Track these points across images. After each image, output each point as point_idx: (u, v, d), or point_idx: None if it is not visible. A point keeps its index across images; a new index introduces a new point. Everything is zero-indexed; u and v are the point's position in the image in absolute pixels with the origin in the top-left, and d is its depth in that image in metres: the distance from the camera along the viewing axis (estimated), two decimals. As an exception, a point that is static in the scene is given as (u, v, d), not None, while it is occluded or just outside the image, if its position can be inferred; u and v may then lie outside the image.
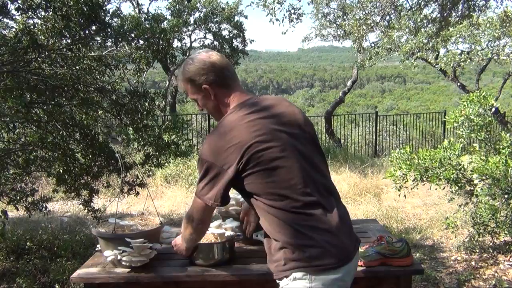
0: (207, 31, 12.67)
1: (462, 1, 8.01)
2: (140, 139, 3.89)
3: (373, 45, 10.69)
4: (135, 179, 3.91)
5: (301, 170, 1.50)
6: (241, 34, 12.64)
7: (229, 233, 2.03)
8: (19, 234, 4.34)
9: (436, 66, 9.13)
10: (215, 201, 1.53)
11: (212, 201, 1.54)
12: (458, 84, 10.62)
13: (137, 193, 3.92)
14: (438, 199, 5.93)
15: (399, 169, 3.74)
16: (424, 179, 3.70)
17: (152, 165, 4.03)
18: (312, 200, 1.49)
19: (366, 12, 9.05)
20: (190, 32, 12.71)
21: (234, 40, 12.74)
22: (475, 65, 9.27)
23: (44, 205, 3.60)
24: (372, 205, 5.81)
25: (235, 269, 1.93)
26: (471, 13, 7.88)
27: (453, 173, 3.61)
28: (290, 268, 1.45)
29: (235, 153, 1.46)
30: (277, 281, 1.51)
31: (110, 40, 3.61)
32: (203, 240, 1.96)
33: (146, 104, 3.80)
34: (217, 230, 2.01)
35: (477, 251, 4.06)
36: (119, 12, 3.82)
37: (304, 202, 1.48)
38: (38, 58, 3.24)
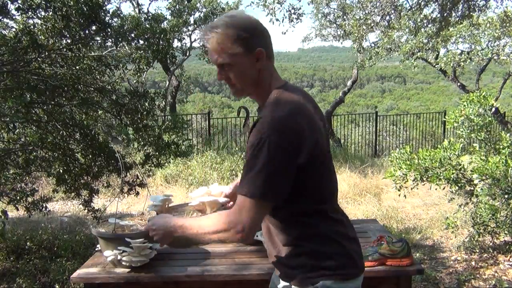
0: (207, 31, 12.65)
1: (462, 1, 8.00)
2: (140, 139, 3.89)
3: (373, 45, 10.70)
4: (135, 179, 3.91)
5: (333, 172, 1.43)
6: (241, 34, 12.63)
7: (222, 199, 1.74)
8: (19, 234, 4.34)
9: (436, 66, 9.14)
10: (276, 196, 1.27)
11: (273, 196, 1.27)
12: (458, 84, 10.62)
13: (137, 193, 3.92)
14: (438, 199, 5.93)
15: (399, 169, 3.74)
16: (424, 179, 3.70)
17: (152, 165, 4.03)
18: (337, 206, 1.44)
19: (366, 12, 9.05)
20: (190, 32, 12.71)
21: (234, 40, 12.72)
22: (475, 65, 9.28)
23: (44, 205, 3.60)
24: (372, 205, 5.81)
25: (235, 269, 1.93)
26: (471, 13, 7.88)
27: (453, 173, 3.61)
28: (318, 276, 1.34)
29: (306, 140, 1.26)
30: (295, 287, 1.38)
31: (110, 40, 3.61)
32: (188, 215, 1.78)
33: (146, 104, 3.80)
34: (207, 198, 1.74)
35: (477, 251, 4.05)
36: (119, 12, 3.82)
37: (334, 207, 1.41)
38: (38, 58, 3.24)
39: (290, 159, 1.24)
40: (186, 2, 11.81)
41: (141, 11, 11.68)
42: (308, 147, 1.26)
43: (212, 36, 1.32)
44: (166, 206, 1.97)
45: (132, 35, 3.80)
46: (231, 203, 1.75)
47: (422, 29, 8.01)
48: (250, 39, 1.33)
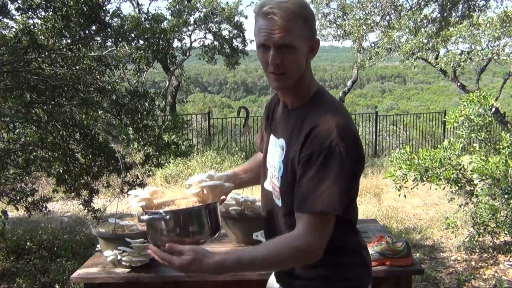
0: (207, 31, 12.67)
1: (462, 1, 8.01)
2: (140, 139, 3.89)
3: (373, 45, 10.70)
4: (135, 179, 3.91)
5: None
6: (241, 34, 12.64)
7: (228, 184, 1.47)
8: (19, 234, 4.34)
9: (436, 66, 9.13)
10: (343, 208, 1.16)
11: (343, 209, 1.16)
12: (458, 84, 10.62)
13: (137, 193, 3.92)
14: (438, 199, 5.93)
15: (399, 169, 3.74)
16: (424, 179, 3.70)
17: (152, 165, 4.03)
18: None
19: (366, 12, 9.06)
20: (190, 32, 12.72)
21: (234, 40, 12.75)
22: (475, 65, 9.27)
23: (44, 205, 3.60)
24: (372, 205, 5.80)
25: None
26: (471, 13, 7.89)
27: (453, 173, 3.61)
28: (338, 287, 1.29)
29: (362, 149, 1.22)
30: None
31: (110, 40, 3.61)
32: (182, 205, 1.41)
33: (146, 104, 3.80)
34: (210, 183, 1.38)
35: (477, 251, 4.05)
36: (119, 12, 3.82)
37: (357, 217, 1.36)
38: (38, 58, 3.24)
39: (354, 168, 1.18)
40: (186, 2, 11.81)
41: (141, 11, 11.69)
42: (363, 156, 1.23)
43: (284, 11, 1.13)
44: (155, 200, 1.46)
45: (132, 35, 3.80)
46: (228, 196, 1.70)
47: (422, 29, 8.02)
48: (314, 24, 1.22)
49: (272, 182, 1.35)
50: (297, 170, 1.18)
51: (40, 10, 3.20)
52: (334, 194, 1.11)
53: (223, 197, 1.51)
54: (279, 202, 1.31)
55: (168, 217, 1.24)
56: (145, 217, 1.27)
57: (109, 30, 3.47)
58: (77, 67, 3.50)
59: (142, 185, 3.88)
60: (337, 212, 1.13)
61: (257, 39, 1.20)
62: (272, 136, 1.40)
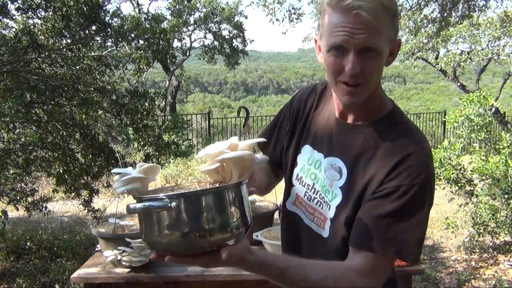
0: (207, 31, 12.68)
1: (462, 1, 8.01)
2: (140, 139, 3.89)
3: (373, 45, 10.68)
4: (135, 179, 3.90)
5: None
6: (241, 34, 12.66)
7: (261, 157, 0.97)
8: (19, 234, 4.34)
9: (436, 66, 9.14)
10: (415, 256, 1.00)
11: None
12: (458, 84, 10.62)
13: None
14: (438, 199, 5.92)
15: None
16: (424, 179, 3.69)
17: (152, 165, 4.03)
18: None
19: (366, 12, 9.02)
20: (190, 32, 12.74)
21: (234, 40, 12.76)
22: (475, 65, 9.28)
23: (44, 205, 3.60)
24: (372, 205, 5.80)
25: (235, 269, 1.92)
26: (471, 13, 7.88)
27: (453, 173, 3.61)
28: None
29: None
30: None
31: (110, 40, 3.61)
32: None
33: (146, 104, 3.80)
34: (233, 154, 0.89)
35: (477, 251, 4.05)
36: (119, 12, 3.82)
37: None
38: (38, 58, 3.24)
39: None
40: (186, 2, 11.82)
41: (141, 11, 11.69)
42: None
43: (372, 3, 0.89)
44: (152, 181, 0.96)
45: (132, 35, 3.81)
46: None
47: (422, 29, 8.01)
48: (397, 29, 0.98)
49: (309, 205, 1.12)
50: (368, 200, 0.98)
51: (40, 10, 3.20)
52: (414, 239, 0.96)
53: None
54: (323, 233, 1.08)
55: (173, 204, 0.79)
56: (138, 205, 0.81)
57: (109, 30, 3.48)
58: (77, 67, 3.50)
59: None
60: (411, 260, 0.97)
61: (328, 38, 0.93)
62: (309, 148, 1.13)
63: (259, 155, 0.97)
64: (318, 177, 1.10)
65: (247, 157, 0.90)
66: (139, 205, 0.81)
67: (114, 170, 0.93)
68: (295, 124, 1.19)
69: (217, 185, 0.89)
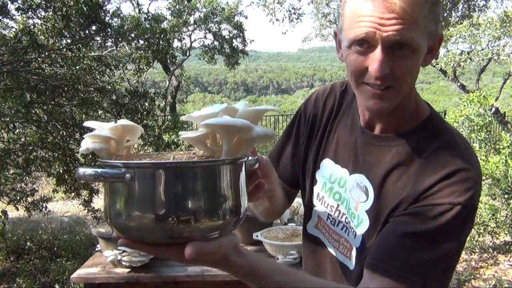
0: (207, 31, 12.69)
1: (462, 1, 8.01)
2: (140, 139, 3.89)
3: (373, 45, 10.69)
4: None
5: None
6: (241, 34, 12.66)
7: (261, 130, 0.70)
8: (19, 234, 4.34)
9: (436, 66, 9.14)
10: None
11: None
12: (458, 84, 10.62)
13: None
14: (438, 199, 5.93)
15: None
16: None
17: (152, 165, 4.03)
18: None
19: (366, 12, 9.03)
20: (190, 32, 12.74)
21: (234, 40, 12.77)
22: (475, 65, 9.28)
23: (44, 205, 3.60)
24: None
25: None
26: (471, 13, 7.89)
27: (453, 173, 3.61)
28: None
29: None
30: None
31: (110, 40, 3.62)
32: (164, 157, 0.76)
33: (146, 104, 3.81)
34: (228, 121, 0.67)
35: (477, 251, 4.06)
36: (119, 12, 3.83)
37: None
38: (38, 58, 3.24)
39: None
40: (186, 2, 11.83)
41: (141, 11, 11.69)
42: None
43: None
44: (127, 143, 0.80)
45: (132, 35, 3.81)
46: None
47: (422, 29, 8.00)
48: (440, 10, 0.79)
49: (333, 230, 0.96)
50: (396, 216, 0.80)
51: (40, 10, 3.20)
52: (440, 269, 0.77)
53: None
54: (349, 264, 0.91)
55: (127, 176, 0.62)
56: (88, 170, 0.65)
57: (109, 30, 3.48)
58: (77, 67, 3.50)
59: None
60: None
61: (349, 31, 0.77)
62: (331, 162, 0.96)
63: (260, 128, 0.70)
64: (343, 197, 0.92)
65: (245, 127, 0.66)
66: (89, 170, 0.65)
67: (86, 124, 0.78)
68: (311, 134, 1.00)
69: (196, 159, 0.69)
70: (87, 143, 0.74)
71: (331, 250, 0.96)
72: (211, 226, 0.65)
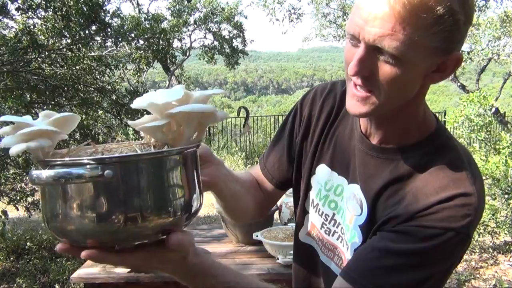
0: (207, 31, 12.70)
1: (462, 1, 7.99)
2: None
3: (373, 45, 10.70)
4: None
5: None
6: (241, 34, 12.67)
7: (222, 112, 0.71)
8: (19, 234, 4.34)
9: (436, 66, 9.14)
10: None
11: None
12: (458, 84, 10.62)
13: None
14: (438, 199, 5.93)
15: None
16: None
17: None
18: None
19: (366, 12, 9.03)
20: (190, 32, 12.75)
21: (234, 40, 12.78)
22: (475, 65, 9.28)
23: (44, 205, 3.60)
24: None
25: (235, 269, 1.92)
26: (471, 13, 7.87)
27: (453, 173, 3.62)
28: None
29: None
30: None
31: (110, 40, 3.62)
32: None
33: (146, 104, 3.81)
34: (185, 108, 0.63)
35: (477, 251, 4.06)
36: (119, 12, 3.83)
37: None
38: (38, 58, 3.24)
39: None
40: (186, 2, 11.84)
41: (141, 11, 11.70)
42: None
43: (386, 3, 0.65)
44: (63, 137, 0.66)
45: (132, 35, 3.82)
46: None
47: (422, 29, 7.99)
48: (460, 30, 0.68)
49: (327, 239, 0.92)
50: (381, 231, 0.76)
51: (40, 10, 3.21)
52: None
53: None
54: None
55: (107, 172, 0.55)
56: (47, 172, 0.54)
57: (109, 30, 3.48)
58: (77, 67, 3.50)
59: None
60: None
61: (348, 22, 0.75)
62: (327, 169, 0.91)
63: (219, 111, 0.69)
64: (339, 206, 0.88)
65: (205, 112, 0.65)
66: (50, 172, 0.54)
67: (2, 118, 0.62)
68: (306, 134, 0.94)
69: (165, 148, 0.64)
70: (21, 141, 0.59)
71: (324, 260, 0.92)
72: (161, 224, 0.59)
